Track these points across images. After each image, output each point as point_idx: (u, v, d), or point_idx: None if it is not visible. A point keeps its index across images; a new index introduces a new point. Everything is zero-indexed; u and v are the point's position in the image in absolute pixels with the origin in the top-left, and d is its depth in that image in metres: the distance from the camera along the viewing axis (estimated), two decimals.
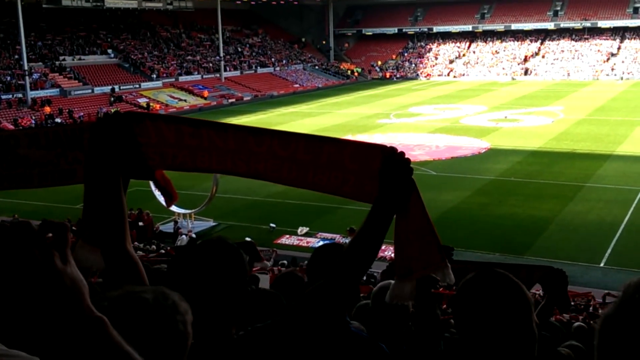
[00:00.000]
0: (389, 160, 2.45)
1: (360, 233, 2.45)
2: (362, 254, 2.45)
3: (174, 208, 24.43)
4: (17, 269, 1.11)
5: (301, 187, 2.69)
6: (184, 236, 23.53)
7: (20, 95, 56.84)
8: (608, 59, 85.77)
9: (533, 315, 2.14)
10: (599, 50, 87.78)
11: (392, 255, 2.82)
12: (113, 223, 2.51)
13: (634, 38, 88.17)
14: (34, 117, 53.04)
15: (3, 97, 55.37)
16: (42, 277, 1.12)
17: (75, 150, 2.72)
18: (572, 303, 13.46)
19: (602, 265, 21.35)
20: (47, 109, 55.11)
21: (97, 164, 2.55)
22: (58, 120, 53.02)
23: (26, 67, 57.99)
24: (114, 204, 2.53)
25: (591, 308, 14.16)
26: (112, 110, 55.49)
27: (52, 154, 2.75)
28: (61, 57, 65.94)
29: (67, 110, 55.73)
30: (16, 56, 61.07)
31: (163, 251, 18.21)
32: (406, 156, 2.45)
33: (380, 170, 2.45)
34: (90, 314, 1.16)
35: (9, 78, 58.16)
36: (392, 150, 2.48)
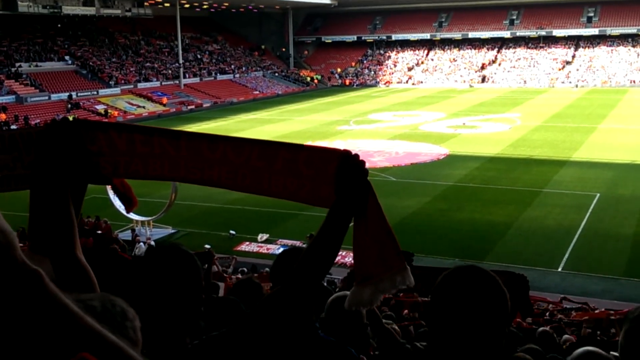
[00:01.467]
0: (344, 163, 2.43)
1: (318, 236, 2.42)
2: (320, 258, 2.43)
3: (132, 215, 24.16)
4: None
5: (257, 193, 2.67)
6: (142, 244, 23.24)
7: None
8: (563, 67, 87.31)
9: (508, 309, 2.14)
10: (554, 59, 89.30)
11: (352, 261, 2.79)
12: (61, 230, 2.44)
13: (588, 47, 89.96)
14: None
15: None
16: None
17: (32, 154, 2.65)
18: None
19: (559, 270, 21.62)
20: (3, 116, 54.18)
21: (43, 170, 2.48)
22: (14, 127, 52.10)
23: None
24: (62, 211, 2.46)
25: (547, 313, 14.30)
26: (71, 118, 54.80)
27: (9, 158, 2.69)
28: (17, 64, 64.92)
29: (23, 117, 54.84)
30: None
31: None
32: (360, 159, 2.44)
33: (335, 174, 2.43)
34: (25, 266, 1.10)
35: None
36: (346, 153, 2.46)
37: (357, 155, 2.45)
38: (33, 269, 1.11)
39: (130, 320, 1.55)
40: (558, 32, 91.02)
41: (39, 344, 1.09)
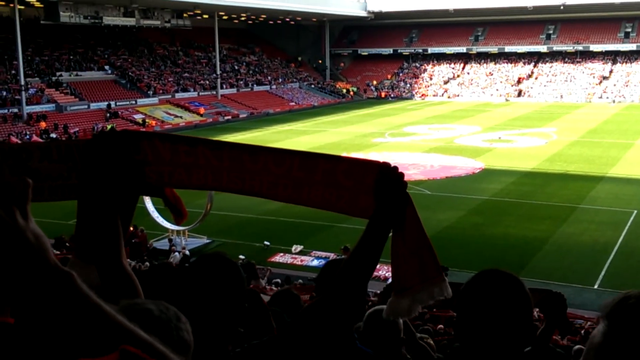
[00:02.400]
0: (383, 175, 2.49)
1: (358, 248, 2.47)
2: (360, 269, 2.47)
3: (168, 225, 24.40)
4: None
5: (296, 203, 2.71)
6: (177, 253, 23.44)
7: (16, 110, 56.79)
8: (600, 82, 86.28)
9: (533, 312, 2.19)
10: (591, 74, 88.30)
11: (387, 274, 2.84)
12: (108, 239, 2.51)
13: (626, 62, 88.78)
14: (29, 132, 52.94)
15: None
16: (3, 235, 1.10)
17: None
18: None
19: (596, 287, 21.33)
20: (43, 124, 55.03)
21: (90, 179, 2.55)
22: (53, 135, 52.94)
23: (22, 82, 57.95)
24: (109, 220, 2.53)
25: (583, 331, 14.12)
26: (108, 127, 55.54)
27: (64, 167, 2.74)
28: (58, 73, 65.97)
29: (62, 126, 55.66)
30: (13, 71, 61.02)
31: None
32: (400, 171, 2.49)
33: (374, 186, 2.49)
34: (57, 268, 1.15)
35: (5, 93, 58.11)
36: (385, 165, 2.51)
37: (396, 168, 2.50)
38: (65, 271, 1.16)
39: (183, 322, 1.65)
40: (595, 47, 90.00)
41: (74, 341, 1.13)
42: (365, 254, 2.48)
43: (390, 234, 2.57)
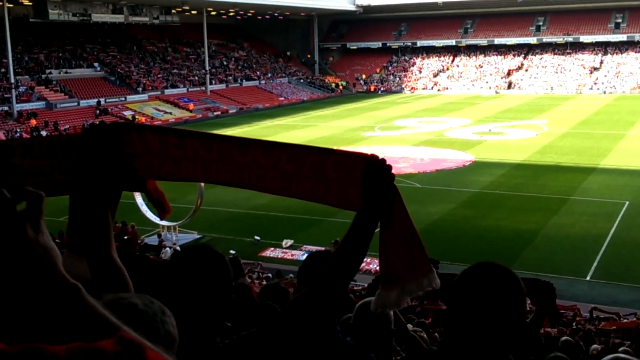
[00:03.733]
0: (371, 167, 2.47)
1: (345, 240, 2.46)
2: (347, 261, 2.46)
3: (158, 220, 24.34)
4: None
5: (285, 195, 2.72)
6: (168, 249, 23.42)
7: (6, 108, 56.70)
8: (591, 73, 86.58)
9: (526, 304, 2.17)
10: (581, 65, 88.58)
11: (377, 268, 2.82)
12: (98, 233, 2.52)
13: (616, 53, 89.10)
14: (19, 130, 52.79)
15: None
16: (12, 246, 1.13)
17: (69, 160, 2.70)
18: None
19: (588, 278, 21.41)
20: (33, 122, 54.91)
21: (83, 174, 2.55)
22: (43, 133, 52.78)
23: (12, 80, 57.84)
24: (99, 214, 2.54)
25: (574, 323, 14.18)
26: (97, 122, 55.39)
27: (46, 164, 2.73)
28: (47, 71, 65.82)
29: (52, 123, 55.55)
30: (2, 69, 60.86)
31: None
32: (387, 163, 2.48)
33: (362, 178, 2.48)
34: (65, 280, 1.17)
35: None
36: (373, 157, 2.51)
37: (383, 160, 2.49)
38: (72, 283, 1.18)
39: (168, 316, 1.64)
40: (585, 38, 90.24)
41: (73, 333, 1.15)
42: (352, 246, 2.47)
43: (378, 227, 2.55)
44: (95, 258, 2.49)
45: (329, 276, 2.47)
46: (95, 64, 72.63)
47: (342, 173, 2.59)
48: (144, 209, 24.56)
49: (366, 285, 16.25)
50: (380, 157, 2.51)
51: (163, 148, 2.70)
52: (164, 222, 24.63)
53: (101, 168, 2.56)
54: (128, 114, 63.06)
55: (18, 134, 51.22)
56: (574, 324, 14.11)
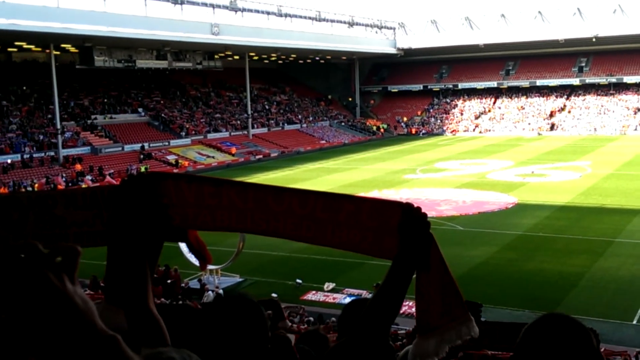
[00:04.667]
0: (407, 215, 2.50)
1: (382, 288, 2.48)
2: (384, 309, 2.48)
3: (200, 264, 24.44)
4: (28, 292, 1.12)
5: (320, 244, 2.72)
6: (210, 292, 23.51)
7: (52, 153, 57.91)
8: (635, 114, 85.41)
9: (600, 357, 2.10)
10: (625, 106, 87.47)
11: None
12: (136, 284, 2.52)
13: None
14: (64, 175, 53.82)
15: (36, 155, 56.42)
16: (53, 300, 1.13)
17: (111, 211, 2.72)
18: None
19: (634, 322, 20.90)
20: (78, 167, 55.92)
21: (120, 224, 2.57)
22: (88, 177, 53.75)
23: (59, 126, 59.22)
24: (137, 265, 2.54)
25: None
26: (142, 168, 56.19)
27: (89, 214, 2.75)
28: (93, 116, 67.21)
29: (97, 168, 56.52)
30: (49, 115, 62.43)
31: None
32: (422, 211, 2.50)
33: (398, 226, 2.50)
34: (104, 332, 1.17)
35: (42, 137, 59.39)
36: (408, 206, 2.53)
37: (419, 208, 2.52)
38: (111, 335, 1.18)
39: None
40: (629, 79, 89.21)
41: None
42: (389, 294, 2.49)
43: (415, 275, 2.57)
44: (133, 310, 2.48)
45: (366, 324, 2.48)
46: (140, 109, 74.00)
47: (378, 221, 2.60)
48: (187, 252, 24.73)
49: (409, 329, 16.07)
50: (416, 205, 2.54)
51: (198, 197, 2.72)
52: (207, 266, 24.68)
53: (138, 218, 2.59)
54: (171, 158, 63.86)
55: (64, 179, 52.20)
56: None
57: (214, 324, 2.32)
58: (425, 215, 2.49)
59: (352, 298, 22.97)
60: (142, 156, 62.61)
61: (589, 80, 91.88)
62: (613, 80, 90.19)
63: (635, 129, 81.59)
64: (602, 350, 11.82)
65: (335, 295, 24.20)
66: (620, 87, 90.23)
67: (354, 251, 2.71)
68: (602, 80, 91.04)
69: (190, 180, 2.79)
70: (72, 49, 66.58)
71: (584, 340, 2.04)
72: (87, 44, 63.04)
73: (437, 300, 2.58)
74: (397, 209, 2.56)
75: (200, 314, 2.45)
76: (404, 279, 2.48)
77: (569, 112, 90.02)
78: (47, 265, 1.14)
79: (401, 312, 2.62)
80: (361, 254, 2.79)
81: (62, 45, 63.72)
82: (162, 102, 77.95)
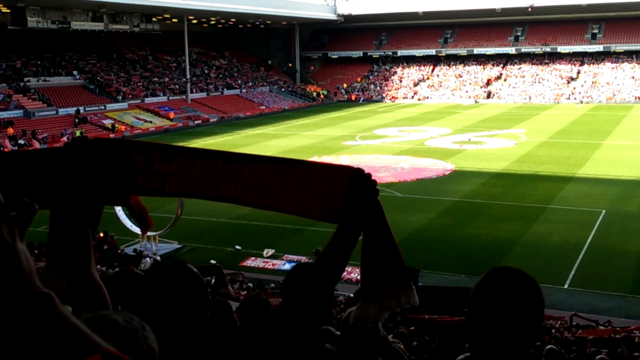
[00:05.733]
0: (356, 181, 2.49)
1: (326, 251, 2.47)
2: (327, 273, 2.47)
3: (137, 230, 24.19)
4: None
5: (271, 210, 2.70)
6: (147, 259, 23.28)
7: None
8: (568, 83, 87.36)
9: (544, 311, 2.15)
10: (559, 75, 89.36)
11: (358, 277, 2.83)
12: (78, 249, 2.48)
13: (593, 63, 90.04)
14: None
15: None
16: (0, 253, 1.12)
17: (49, 174, 2.64)
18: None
19: (566, 286, 21.52)
20: (10, 130, 54.33)
21: (64, 189, 2.52)
22: (21, 141, 52.31)
23: None
24: (79, 230, 2.50)
25: (553, 330, 14.26)
26: (77, 133, 55.00)
27: (27, 177, 2.68)
28: (25, 79, 65.22)
29: (30, 132, 55.04)
30: None
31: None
32: (372, 178, 2.49)
33: (346, 191, 2.49)
34: (38, 289, 1.16)
35: None
36: (359, 171, 2.52)
37: (369, 174, 2.51)
38: (45, 292, 1.16)
39: (149, 331, 1.64)
40: (563, 49, 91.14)
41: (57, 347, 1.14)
42: (333, 258, 2.48)
43: (360, 240, 2.57)
44: (74, 274, 2.45)
45: (309, 287, 2.47)
46: (75, 72, 72.11)
47: (328, 186, 2.59)
48: (124, 218, 24.43)
49: (350, 295, 16.25)
50: (366, 170, 2.52)
51: (147, 164, 2.68)
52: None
53: (83, 183, 2.54)
54: (107, 122, 62.61)
55: None
56: (553, 331, 14.19)
57: (152, 292, 2.28)
58: (374, 182, 2.48)
59: (292, 264, 23.08)
60: (77, 120, 61.18)
61: (525, 49, 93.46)
62: (548, 49, 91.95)
63: (568, 98, 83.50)
64: None
65: (274, 261, 24.26)
66: (555, 57, 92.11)
67: (304, 216, 2.70)
68: (537, 49, 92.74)
69: (137, 147, 2.74)
70: (4, 9, 64.24)
71: (532, 287, 2.12)
72: (20, 4, 60.70)
73: (380, 267, 2.60)
74: (347, 174, 2.55)
75: (142, 281, 2.41)
76: (349, 243, 2.48)
77: (505, 80, 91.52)
78: (1, 216, 1.13)
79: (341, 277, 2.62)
80: (310, 219, 2.77)
81: None
82: (98, 65, 76.14)
